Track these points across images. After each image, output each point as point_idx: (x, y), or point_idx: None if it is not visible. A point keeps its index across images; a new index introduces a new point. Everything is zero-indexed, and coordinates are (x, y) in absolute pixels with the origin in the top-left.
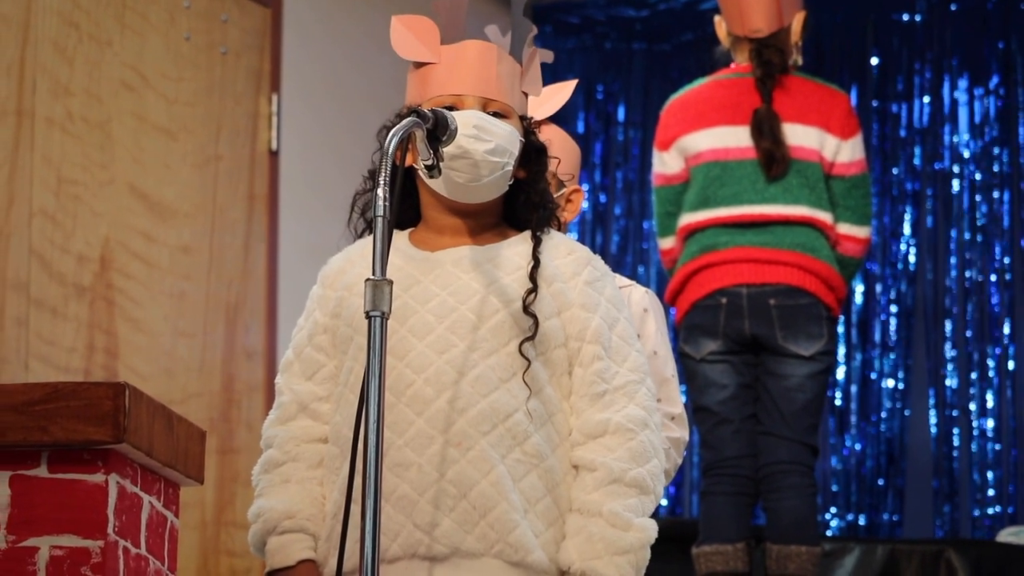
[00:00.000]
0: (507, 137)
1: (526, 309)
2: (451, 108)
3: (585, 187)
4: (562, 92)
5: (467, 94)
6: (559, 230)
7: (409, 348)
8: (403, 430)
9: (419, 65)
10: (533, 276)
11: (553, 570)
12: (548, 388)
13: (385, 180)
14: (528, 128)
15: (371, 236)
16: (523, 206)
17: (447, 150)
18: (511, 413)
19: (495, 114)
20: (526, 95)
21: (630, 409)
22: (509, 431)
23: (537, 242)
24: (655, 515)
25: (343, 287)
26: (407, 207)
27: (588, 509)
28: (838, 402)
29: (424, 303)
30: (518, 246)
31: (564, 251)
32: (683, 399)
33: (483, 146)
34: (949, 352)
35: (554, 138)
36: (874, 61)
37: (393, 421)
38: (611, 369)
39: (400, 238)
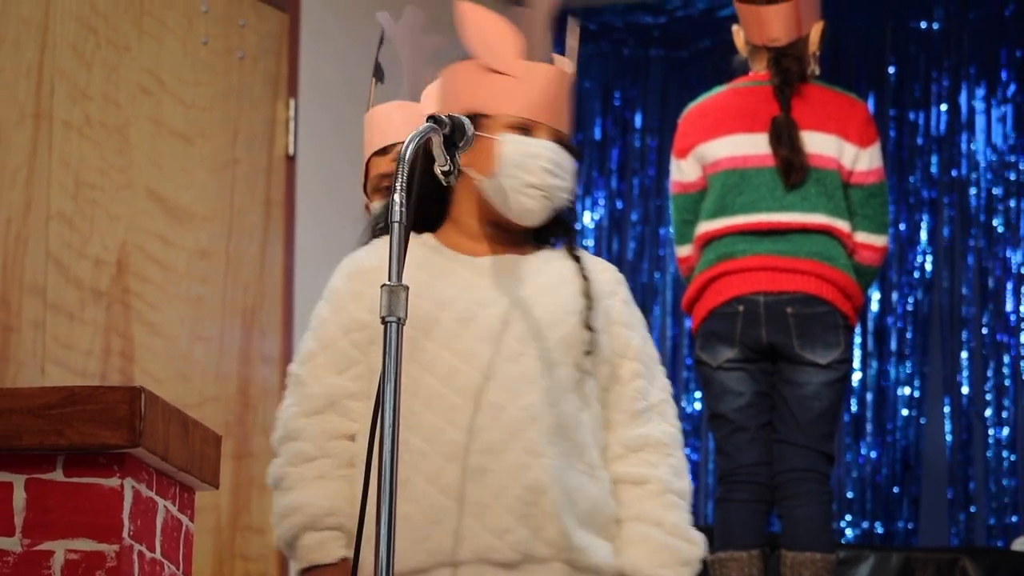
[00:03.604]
0: (573, 174)
1: (586, 324)
2: (523, 130)
3: (602, 193)
4: None
5: (543, 123)
6: None
7: (478, 353)
8: (478, 435)
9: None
10: (588, 292)
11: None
12: (596, 402)
13: (402, 185)
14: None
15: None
16: (554, 222)
17: (524, 176)
18: (575, 425)
19: (558, 142)
20: None
21: (664, 427)
22: (572, 441)
23: (578, 259)
24: None
25: None
26: (436, 209)
27: (647, 518)
28: (854, 410)
29: (485, 308)
30: (558, 261)
31: (600, 268)
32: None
33: (557, 181)
34: (965, 360)
35: None
36: (891, 69)
37: (468, 425)
38: (647, 387)
39: (427, 238)
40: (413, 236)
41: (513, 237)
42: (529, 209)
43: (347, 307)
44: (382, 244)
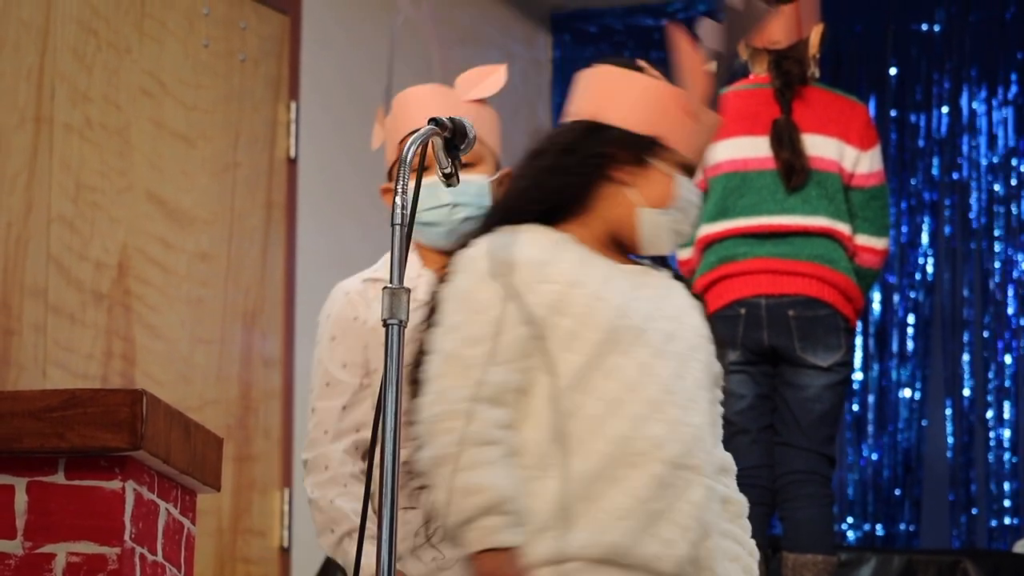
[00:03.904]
0: None
1: (717, 341)
2: (687, 171)
3: None
4: (496, 75)
5: (696, 169)
6: None
7: (653, 366)
8: (661, 447)
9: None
10: (706, 314)
11: None
12: None
13: (404, 188)
14: None
15: (543, 227)
16: None
17: (682, 222)
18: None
19: None
20: None
21: (728, 454)
22: (716, 461)
23: (681, 279)
24: None
25: (562, 282)
26: (573, 197)
27: (731, 536)
28: (855, 411)
29: (653, 321)
30: (669, 279)
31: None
32: None
33: (692, 231)
34: (966, 362)
35: (487, 116)
36: (893, 71)
37: (652, 437)
38: (721, 413)
39: (568, 237)
40: (546, 229)
41: (623, 249)
42: (662, 248)
43: (516, 298)
44: (526, 236)
